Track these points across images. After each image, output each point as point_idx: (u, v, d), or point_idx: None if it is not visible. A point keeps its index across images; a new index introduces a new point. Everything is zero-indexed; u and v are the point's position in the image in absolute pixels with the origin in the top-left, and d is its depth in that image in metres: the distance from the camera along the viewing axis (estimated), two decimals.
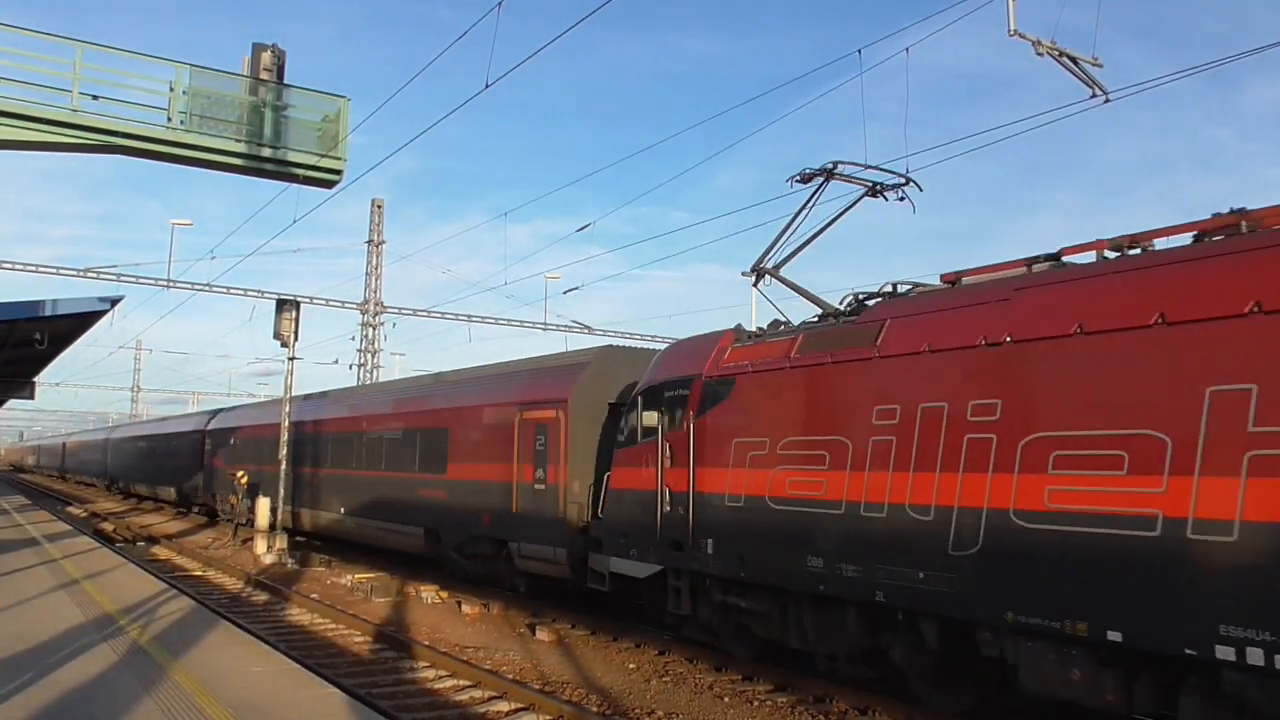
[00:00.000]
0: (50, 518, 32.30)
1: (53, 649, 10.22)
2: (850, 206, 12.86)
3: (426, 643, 13.96)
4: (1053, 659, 8.32)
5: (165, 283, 34.45)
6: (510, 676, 12.07)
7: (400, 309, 42.52)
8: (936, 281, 10.93)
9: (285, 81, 15.37)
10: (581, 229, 26.95)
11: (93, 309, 17.60)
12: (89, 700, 8.12)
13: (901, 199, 12.90)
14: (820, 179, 12.58)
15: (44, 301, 16.35)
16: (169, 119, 14.38)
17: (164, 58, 14.53)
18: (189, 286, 35.82)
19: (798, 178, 12.96)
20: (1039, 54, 13.01)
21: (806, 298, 12.53)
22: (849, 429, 10.30)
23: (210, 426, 38.42)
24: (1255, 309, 7.08)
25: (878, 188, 12.92)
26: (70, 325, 19.71)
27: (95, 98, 13.81)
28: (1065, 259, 9.34)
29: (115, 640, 10.82)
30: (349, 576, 20.88)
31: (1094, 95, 12.75)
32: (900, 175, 12.92)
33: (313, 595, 18.56)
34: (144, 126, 14.27)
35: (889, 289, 11.21)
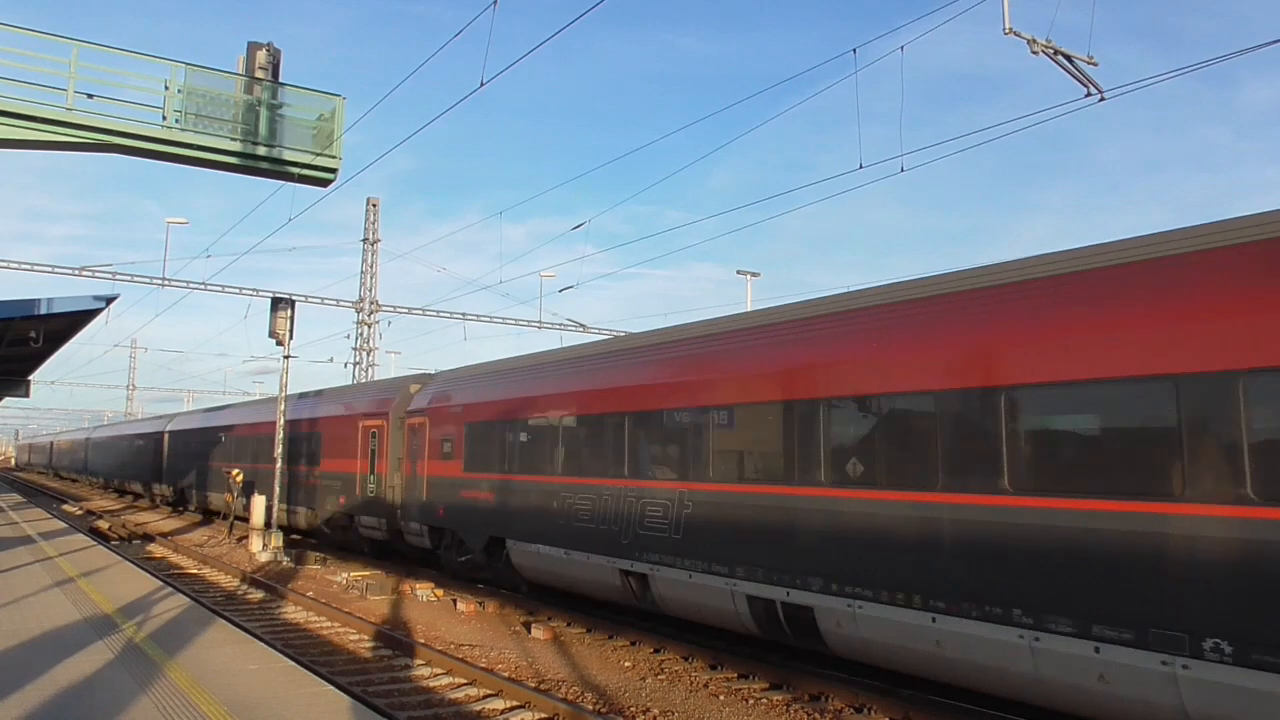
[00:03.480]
0: (45, 515, 32.26)
1: (48, 647, 10.22)
2: None
3: (422, 641, 13.98)
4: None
5: (160, 281, 34.40)
6: (505, 674, 12.10)
7: (395, 307, 42.44)
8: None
9: (280, 80, 15.37)
10: (576, 228, 27.03)
11: (88, 307, 17.59)
12: (85, 698, 8.13)
13: None
14: None
15: (39, 300, 16.34)
16: (164, 118, 14.38)
17: (159, 56, 14.51)
18: (184, 285, 35.76)
19: None
20: (1034, 53, 13.08)
21: None
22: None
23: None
24: None
25: None
26: (65, 324, 19.70)
27: (91, 96, 13.80)
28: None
29: (111, 638, 10.83)
30: (344, 574, 20.88)
31: (1089, 94, 12.81)
32: None
33: (308, 593, 18.57)
34: (139, 125, 14.27)
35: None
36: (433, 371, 22.52)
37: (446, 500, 19.33)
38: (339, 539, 25.53)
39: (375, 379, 25.37)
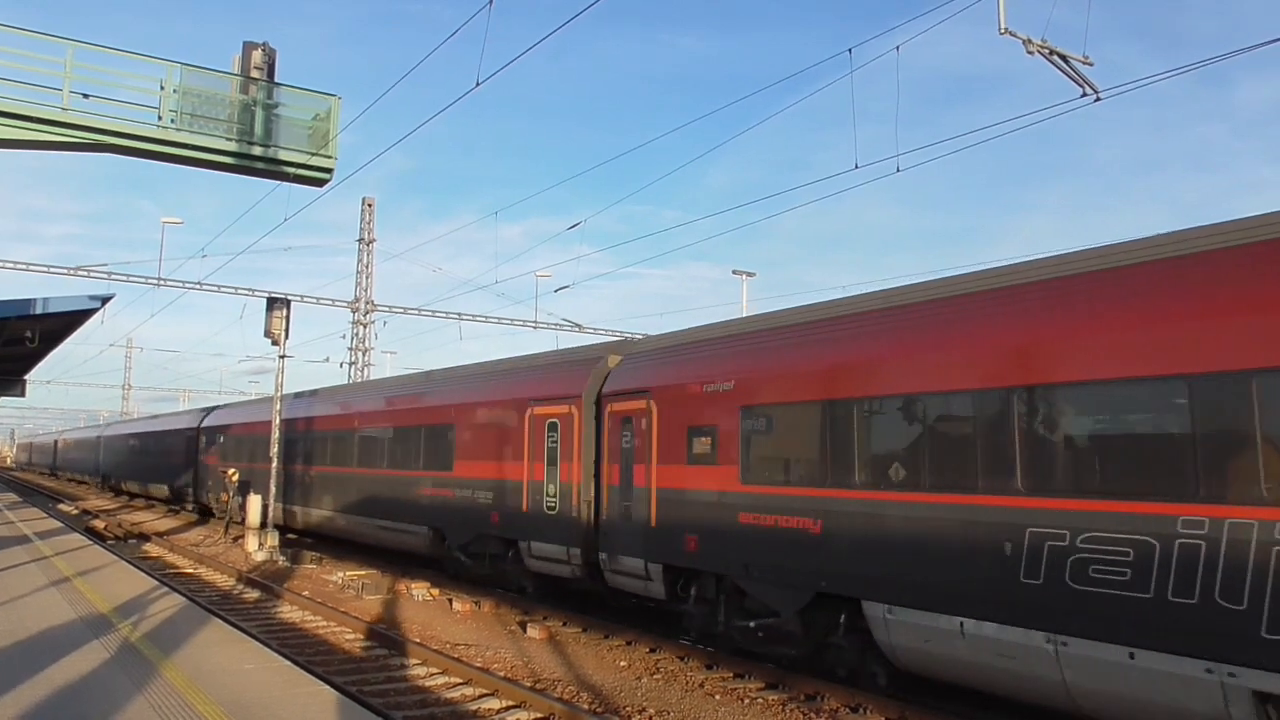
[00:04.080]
0: (42, 515, 32.22)
1: (44, 646, 10.22)
2: None
3: (417, 640, 13.99)
4: None
5: (156, 281, 34.39)
6: (501, 674, 12.11)
7: (391, 307, 42.51)
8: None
9: (276, 80, 15.37)
10: (572, 227, 26.97)
11: (83, 307, 17.59)
12: (81, 698, 8.14)
13: None
14: None
15: (35, 300, 16.34)
16: (160, 118, 14.37)
17: (155, 56, 14.52)
18: (180, 285, 35.79)
19: None
20: (1030, 52, 13.08)
21: None
22: None
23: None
24: None
25: None
26: (61, 323, 19.69)
27: (86, 96, 13.80)
28: None
29: (107, 638, 10.83)
30: (340, 574, 20.89)
31: (1085, 94, 12.82)
32: None
33: (304, 593, 18.56)
34: (135, 125, 14.25)
35: None
36: (635, 336, 16.39)
37: (702, 526, 12.80)
38: (482, 572, 18.87)
39: (556, 349, 19.13)
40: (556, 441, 16.19)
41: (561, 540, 15.88)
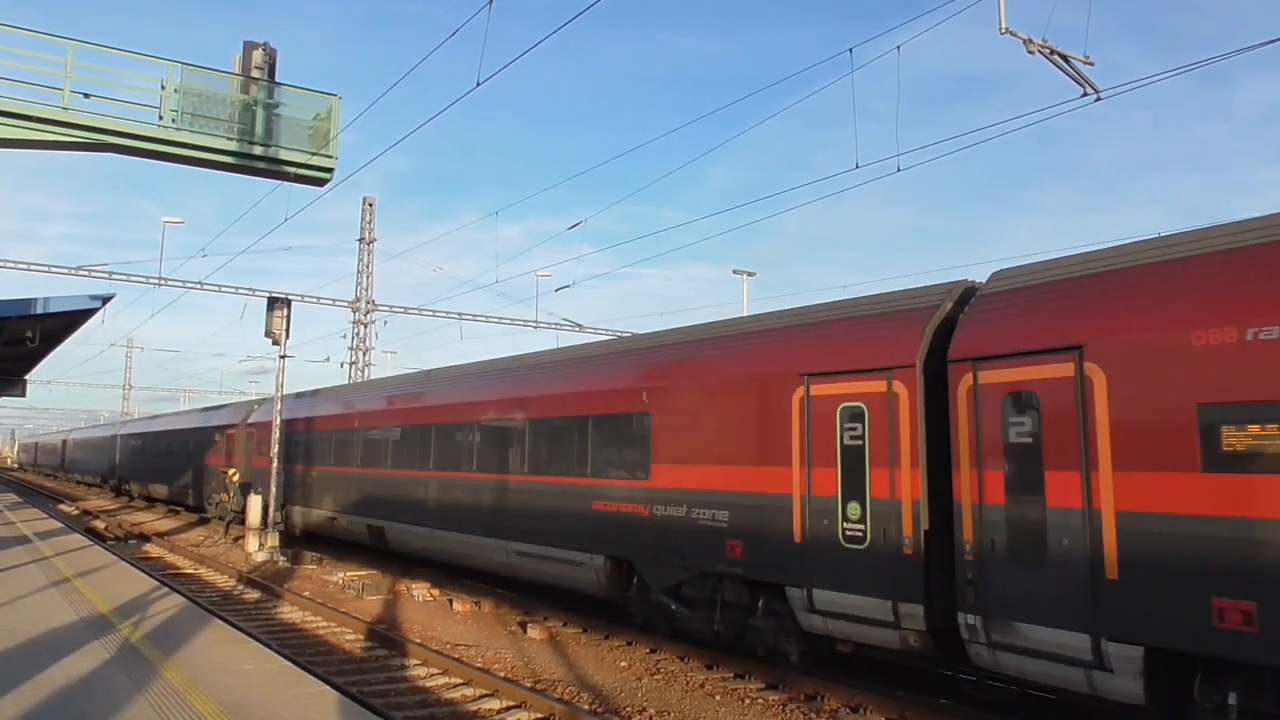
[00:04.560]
0: (42, 515, 32.22)
1: (44, 647, 10.21)
2: None
3: (418, 641, 13.98)
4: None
5: (156, 281, 34.45)
6: (502, 674, 12.10)
7: (391, 307, 42.59)
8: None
9: (276, 80, 15.41)
10: (573, 227, 27.02)
11: (84, 307, 17.58)
12: (81, 698, 8.13)
13: None
14: None
15: (35, 299, 16.34)
16: (160, 117, 14.40)
17: (156, 56, 14.55)
18: (180, 284, 35.85)
19: None
20: (1030, 52, 13.11)
21: None
22: None
23: None
24: None
25: None
26: (62, 323, 19.68)
27: (87, 96, 13.83)
28: None
29: (107, 638, 10.82)
30: (340, 574, 20.89)
31: (1085, 94, 12.85)
32: None
33: (304, 593, 18.56)
34: (136, 125, 14.29)
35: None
36: (970, 281, 11.09)
37: (1271, 586, 7.35)
38: (710, 628, 12.93)
39: (840, 299, 12.73)
40: (861, 435, 10.82)
41: (880, 590, 10.44)
